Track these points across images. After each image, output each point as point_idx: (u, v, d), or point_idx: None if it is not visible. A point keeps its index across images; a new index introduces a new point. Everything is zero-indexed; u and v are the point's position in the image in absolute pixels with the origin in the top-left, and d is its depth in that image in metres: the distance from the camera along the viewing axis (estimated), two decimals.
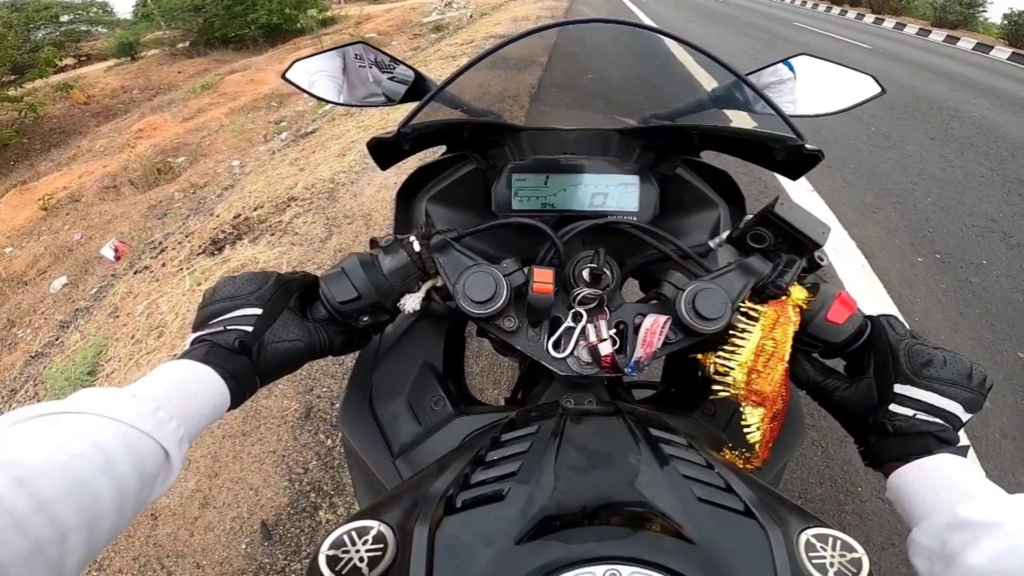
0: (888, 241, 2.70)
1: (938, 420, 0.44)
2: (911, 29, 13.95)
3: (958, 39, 12.20)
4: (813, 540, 0.34)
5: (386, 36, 12.53)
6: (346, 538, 0.34)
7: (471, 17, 11.62)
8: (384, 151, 0.56)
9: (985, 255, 2.61)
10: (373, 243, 0.55)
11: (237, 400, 0.45)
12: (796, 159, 0.52)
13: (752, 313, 0.47)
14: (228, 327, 0.46)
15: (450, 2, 13.65)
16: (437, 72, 6.13)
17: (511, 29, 9.15)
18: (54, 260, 5.19)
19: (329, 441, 1.80)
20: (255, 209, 3.30)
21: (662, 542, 0.31)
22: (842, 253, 2.55)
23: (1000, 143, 4.25)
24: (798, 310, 0.47)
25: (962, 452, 0.43)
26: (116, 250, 4.48)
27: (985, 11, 16.11)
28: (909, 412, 0.45)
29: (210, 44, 16.49)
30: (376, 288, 0.50)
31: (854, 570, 0.32)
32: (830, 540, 0.34)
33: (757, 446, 0.48)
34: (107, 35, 19.12)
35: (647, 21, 11.36)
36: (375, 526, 0.35)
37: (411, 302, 0.53)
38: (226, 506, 1.65)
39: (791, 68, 0.68)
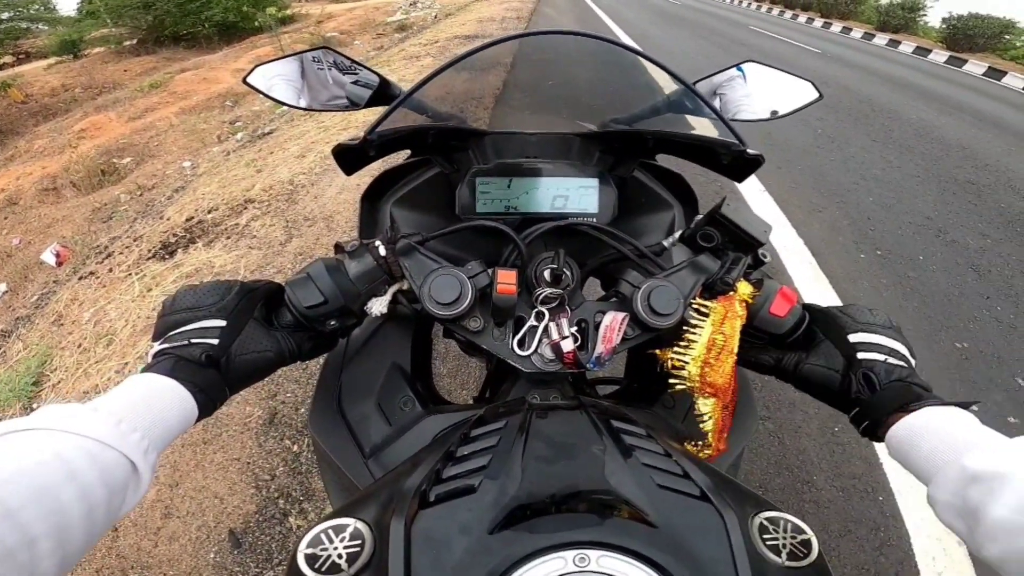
0: (833, 239, 2.85)
1: (903, 364, 0.46)
2: (857, 33, 14.65)
3: (900, 43, 12.90)
4: (766, 523, 0.36)
5: (348, 35, 12.30)
6: (323, 536, 0.35)
7: (436, 17, 11.55)
8: (349, 157, 0.57)
9: (921, 251, 2.78)
10: (338, 248, 0.55)
11: (205, 411, 0.45)
12: (740, 163, 0.56)
13: (703, 309, 0.50)
14: (192, 340, 0.45)
15: (415, 1, 13.53)
16: (401, 73, 6.06)
17: (477, 30, 9.13)
18: None
19: (296, 447, 1.77)
20: (209, 212, 3.17)
21: (627, 527, 0.33)
22: (791, 251, 2.67)
23: (936, 144, 4.53)
24: (744, 305, 0.50)
25: (944, 402, 0.44)
26: (58, 255, 4.25)
27: (926, 15, 16.90)
28: (879, 357, 0.46)
29: (160, 42, 15.84)
30: (342, 292, 0.50)
31: (804, 551, 0.34)
32: (782, 523, 0.36)
33: (710, 435, 0.51)
34: (48, 33, 18.15)
35: (611, 24, 11.55)
36: (352, 523, 0.35)
37: (378, 305, 0.53)
38: (190, 515, 1.61)
39: (741, 72, 0.72)
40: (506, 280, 0.49)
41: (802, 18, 18.32)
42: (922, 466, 0.40)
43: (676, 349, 0.50)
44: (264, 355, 0.49)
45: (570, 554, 0.31)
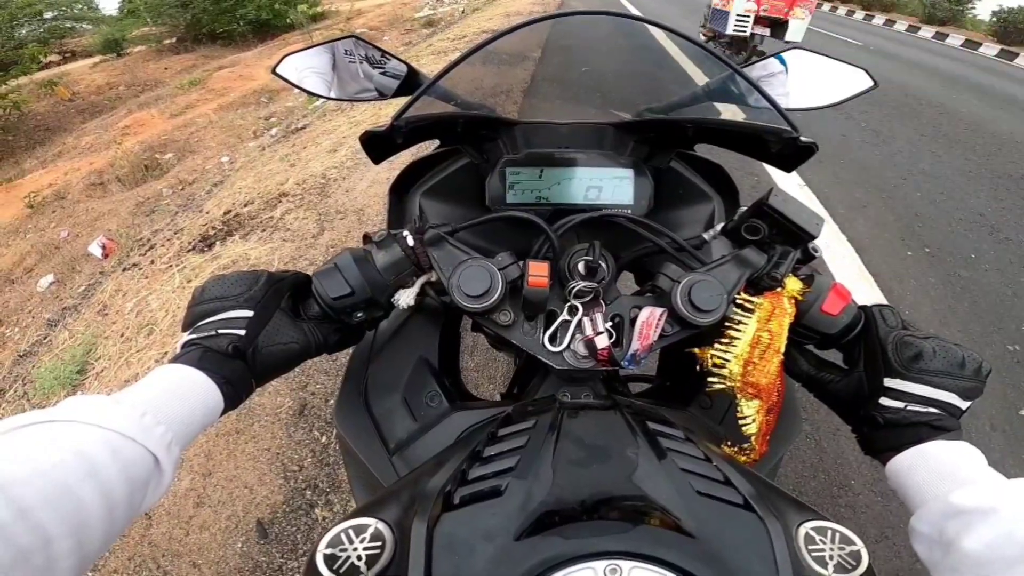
0: (879, 235, 2.73)
1: (933, 410, 0.44)
2: (900, 25, 14.12)
3: (947, 36, 12.36)
4: (812, 533, 0.33)
5: (377, 31, 12.45)
6: (343, 536, 0.33)
7: (463, 12, 11.58)
8: (377, 145, 0.55)
9: (974, 249, 2.65)
10: (366, 238, 0.53)
11: (231, 403, 0.44)
12: (791, 151, 0.52)
13: (748, 305, 0.47)
14: (219, 331, 0.45)
15: None
16: (429, 67, 6.08)
17: (504, 24, 9.12)
18: (40, 258, 5.12)
19: (324, 438, 1.79)
20: (245, 205, 3.26)
21: (662, 536, 0.31)
22: (834, 248, 2.58)
23: (988, 139, 4.30)
24: (793, 301, 0.47)
25: (961, 438, 0.43)
26: (104, 247, 4.43)
27: (974, 7, 16.29)
28: (899, 404, 0.44)
29: (197, 40, 16.36)
30: (370, 283, 0.49)
31: (853, 563, 0.32)
32: (829, 533, 0.33)
33: (753, 439, 0.48)
34: (92, 32, 18.95)
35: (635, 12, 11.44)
36: (372, 524, 0.34)
37: (405, 297, 0.52)
38: (221, 504, 1.63)
39: (783, 62, 0.68)
40: (538, 272, 0.48)
41: (841, 10, 17.71)
42: (912, 496, 0.41)
43: (717, 346, 0.47)
44: (290, 347, 0.48)
45: (600, 564, 0.29)
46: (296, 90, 0.72)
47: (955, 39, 12.02)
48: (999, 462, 1.59)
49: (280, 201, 3.21)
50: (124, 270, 3.15)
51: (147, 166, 6.26)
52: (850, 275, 2.37)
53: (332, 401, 1.93)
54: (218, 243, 2.91)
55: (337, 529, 0.34)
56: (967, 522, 0.34)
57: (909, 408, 0.44)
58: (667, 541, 0.30)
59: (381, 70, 0.70)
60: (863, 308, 0.50)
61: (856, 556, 0.32)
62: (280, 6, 15.67)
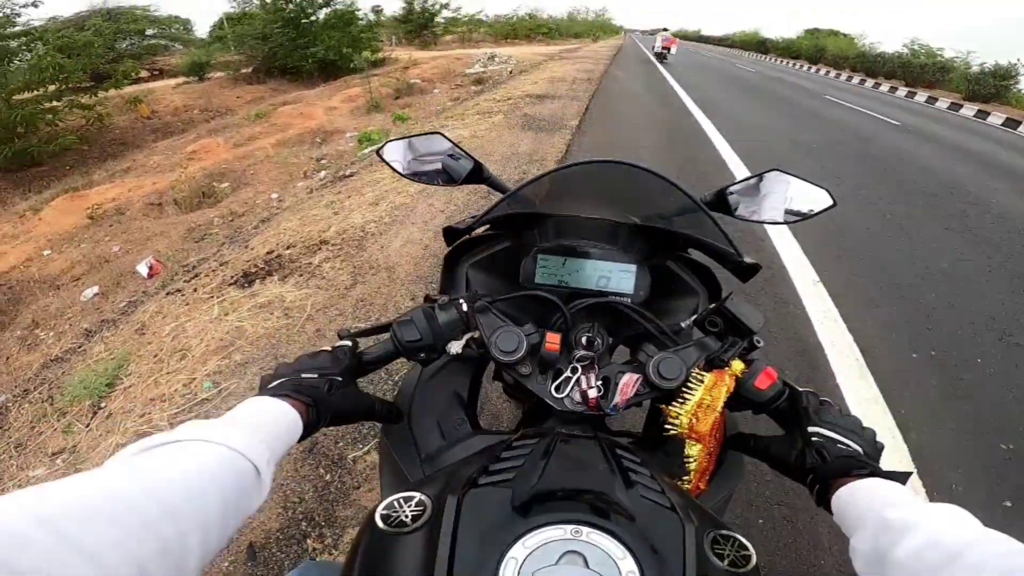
0: (886, 337, 2.76)
1: (853, 445, 0.56)
2: (943, 103, 13.98)
3: (989, 113, 12.14)
4: (719, 538, 0.47)
5: (429, 83, 13.15)
6: (395, 503, 0.48)
7: (511, 72, 12.18)
8: (451, 235, 0.78)
9: (980, 353, 2.64)
10: (427, 299, 0.72)
11: (306, 432, 0.54)
12: (742, 268, 0.72)
13: (699, 377, 0.62)
14: (304, 374, 0.57)
15: (493, 55, 14.36)
16: (473, 128, 6.46)
17: (547, 89, 9.60)
18: (89, 269, 5.38)
19: (328, 476, 1.87)
20: (288, 248, 3.48)
21: (612, 517, 0.45)
22: (838, 347, 2.62)
23: (1015, 235, 4.26)
24: (734, 378, 0.63)
25: (898, 478, 0.50)
26: (151, 268, 4.64)
27: (1018, 84, 15.93)
28: (823, 441, 0.57)
29: (270, 73, 17.42)
30: (433, 334, 0.67)
31: (744, 561, 0.45)
32: (731, 540, 0.47)
33: (692, 474, 0.64)
34: (181, 52, 20.16)
35: (683, 95, 11.72)
36: (417, 495, 0.49)
37: (455, 347, 0.69)
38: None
39: (763, 180, 0.84)
40: (553, 340, 0.66)
41: (884, 87, 17.76)
42: (851, 523, 0.48)
43: (674, 404, 0.63)
44: (361, 403, 0.62)
45: (569, 527, 0.43)
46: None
47: (996, 117, 11.81)
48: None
49: (320, 248, 3.41)
50: (168, 294, 3.29)
51: (204, 193, 6.64)
52: (850, 374, 2.40)
53: (341, 444, 2.01)
54: (258, 281, 3.08)
55: (392, 498, 0.49)
56: (898, 535, 0.40)
57: (838, 444, 0.56)
58: (615, 520, 0.44)
59: (453, 158, 0.91)
60: (789, 386, 0.65)
61: (747, 559, 0.45)
62: (347, 50, 16.70)
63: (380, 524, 0.47)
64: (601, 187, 0.83)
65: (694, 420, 0.61)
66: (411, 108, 10.20)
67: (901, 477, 0.50)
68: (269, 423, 0.49)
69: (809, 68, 24.38)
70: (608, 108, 9.01)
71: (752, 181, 0.85)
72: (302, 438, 0.54)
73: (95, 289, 4.69)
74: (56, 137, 10.57)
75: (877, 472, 0.52)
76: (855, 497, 0.49)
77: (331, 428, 2.20)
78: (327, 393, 0.57)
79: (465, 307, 0.68)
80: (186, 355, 2.57)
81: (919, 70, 18.41)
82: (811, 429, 0.58)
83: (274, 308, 2.80)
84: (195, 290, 3.22)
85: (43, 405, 2.45)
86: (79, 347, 3.01)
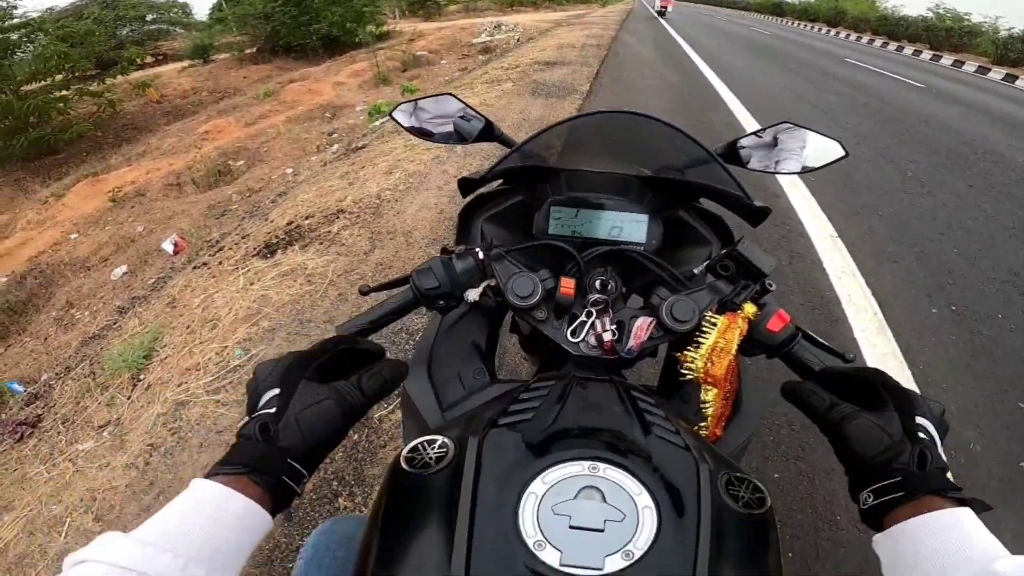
0: (904, 291, 2.74)
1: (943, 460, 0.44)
2: (970, 67, 13.44)
3: (1017, 77, 11.66)
4: (733, 479, 0.47)
5: (436, 55, 12.97)
6: (419, 446, 0.50)
7: (518, 40, 11.94)
8: (467, 185, 0.79)
9: (1001, 309, 2.63)
10: (444, 250, 0.74)
11: (279, 501, 0.43)
12: (752, 212, 0.72)
13: (712, 320, 0.62)
14: (253, 417, 0.45)
15: (499, 24, 14.07)
16: (483, 96, 6.38)
17: (556, 56, 9.40)
18: (116, 249, 5.54)
19: (356, 436, 1.93)
20: (306, 218, 3.53)
21: (628, 454, 0.46)
22: (855, 301, 2.62)
23: None
24: (747, 320, 0.62)
25: (964, 499, 0.41)
26: (176, 245, 4.77)
27: None
28: (930, 442, 0.44)
29: (274, 52, 17.31)
30: (450, 281, 0.68)
31: (758, 503, 0.45)
32: (745, 483, 0.47)
33: (709, 419, 0.64)
34: (183, 36, 20.17)
35: (692, 54, 11.41)
36: (440, 438, 0.50)
37: (472, 294, 0.71)
38: None
39: (776, 131, 0.84)
40: (567, 285, 0.66)
41: (908, 50, 17.00)
42: (932, 564, 0.37)
43: (688, 349, 0.63)
44: (324, 404, 0.46)
45: (586, 463, 0.45)
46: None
47: None
48: (995, 509, 1.63)
49: (338, 217, 3.46)
50: (194, 268, 3.37)
51: (220, 171, 6.74)
52: (868, 328, 2.41)
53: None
54: (280, 251, 3.16)
55: (415, 441, 0.50)
56: None
57: (935, 448, 0.44)
58: (631, 458, 0.45)
59: (465, 120, 0.91)
60: (884, 379, 0.55)
61: (762, 501, 0.45)
62: (350, 25, 16.47)
63: (405, 467, 0.48)
64: (612, 139, 0.83)
65: (709, 364, 0.61)
66: (419, 80, 10.10)
67: (984, 508, 0.41)
68: (194, 520, 0.37)
69: (828, 31, 23.40)
70: (619, 73, 8.81)
71: (763, 133, 0.84)
72: (277, 509, 0.43)
73: (124, 268, 4.85)
74: (70, 125, 10.76)
75: (970, 501, 0.40)
76: (938, 530, 0.38)
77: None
78: (275, 437, 0.43)
79: (481, 255, 0.69)
80: (216, 325, 2.66)
81: (944, 34, 17.56)
82: (920, 421, 0.45)
83: (297, 276, 2.88)
84: (220, 263, 3.30)
85: (86, 380, 2.56)
86: (114, 323, 3.13)
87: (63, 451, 2.16)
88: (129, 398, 2.36)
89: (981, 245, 3.27)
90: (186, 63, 17.70)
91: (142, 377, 2.46)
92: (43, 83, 10.91)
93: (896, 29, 19.98)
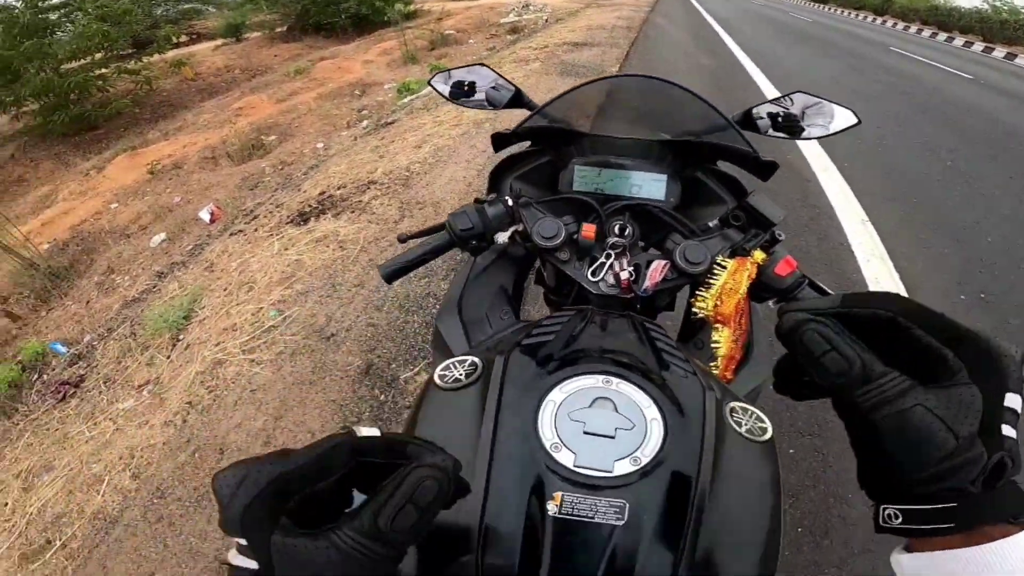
0: (934, 277, 2.71)
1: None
2: (1023, 60, 12.83)
3: None
4: (738, 408, 0.50)
5: (464, 34, 12.91)
6: (451, 365, 0.54)
7: (547, 21, 11.80)
8: (499, 141, 0.86)
9: None
10: (477, 200, 0.79)
11: None
12: (760, 165, 0.77)
13: (722, 263, 0.66)
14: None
15: (528, 4, 13.89)
16: (510, 75, 6.38)
17: (585, 37, 9.26)
18: (155, 218, 5.71)
19: (383, 396, 2.02)
20: (338, 188, 3.63)
21: (641, 373, 0.49)
22: (883, 284, 2.59)
23: None
24: (755, 265, 0.66)
25: None
26: (212, 214, 4.92)
27: None
28: (1013, 446, 0.28)
29: (304, 30, 17.45)
30: (483, 224, 0.75)
31: (760, 432, 0.48)
32: (749, 412, 0.50)
33: (720, 359, 0.66)
34: (216, 15, 20.49)
35: (728, 40, 11.11)
36: (470, 358, 0.55)
37: (502, 237, 0.78)
38: (283, 446, 1.82)
39: (791, 100, 0.88)
40: (589, 230, 0.72)
41: (959, 41, 16.20)
42: None
43: (700, 290, 0.66)
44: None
45: (601, 377, 0.48)
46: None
47: None
48: None
49: (368, 188, 3.55)
50: (231, 235, 3.52)
51: (253, 145, 6.91)
52: None
53: (395, 365, 2.15)
54: (313, 219, 3.27)
55: (447, 361, 0.54)
56: None
57: (1018, 448, 0.29)
58: (644, 377, 0.49)
59: (495, 88, 0.98)
60: (950, 322, 0.37)
61: (764, 430, 0.48)
62: (379, 2, 16.47)
63: (438, 382, 0.52)
64: (635, 104, 0.88)
65: (718, 303, 0.64)
66: (446, 59, 10.09)
67: None
68: None
69: (874, 19, 22.46)
70: (650, 55, 8.65)
71: (778, 102, 0.88)
72: None
73: (162, 235, 5.01)
74: (109, 102, 11.09)
75: None
76: (997, 566, 0.26)
77: (385, 347, 2.42)
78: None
79: (511, 203, 0.75)
80: (252, 287, 2.77)
81: (999, 26, 16.72)
82: (1010, 401, 0.29)
83: (329, 242, 2.98)
84: (255, 230, 3.44)
85: (127, 341, 2.69)
86: (154, 287, 3.29)
87: (104, 410, 2.28)
88: (168, 357, 2.48)
89: (1017, 235, 3.18)
90: (219, 42, 17.98)
91: (181, 337, 2.58)
92: (82, 61, 11.19)
93: (947, 19, 19.09)
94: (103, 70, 11.36)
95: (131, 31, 12.36)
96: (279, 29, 18.16)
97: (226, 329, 2.50)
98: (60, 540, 1.77)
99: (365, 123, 6.12)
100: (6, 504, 2.00)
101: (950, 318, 0.30)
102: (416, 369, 2.13)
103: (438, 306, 2.32)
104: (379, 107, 7.24)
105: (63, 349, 3.13)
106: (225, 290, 2.83)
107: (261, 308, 2.60)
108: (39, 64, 10.20)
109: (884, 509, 0.31)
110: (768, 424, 0.49)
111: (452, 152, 4.06)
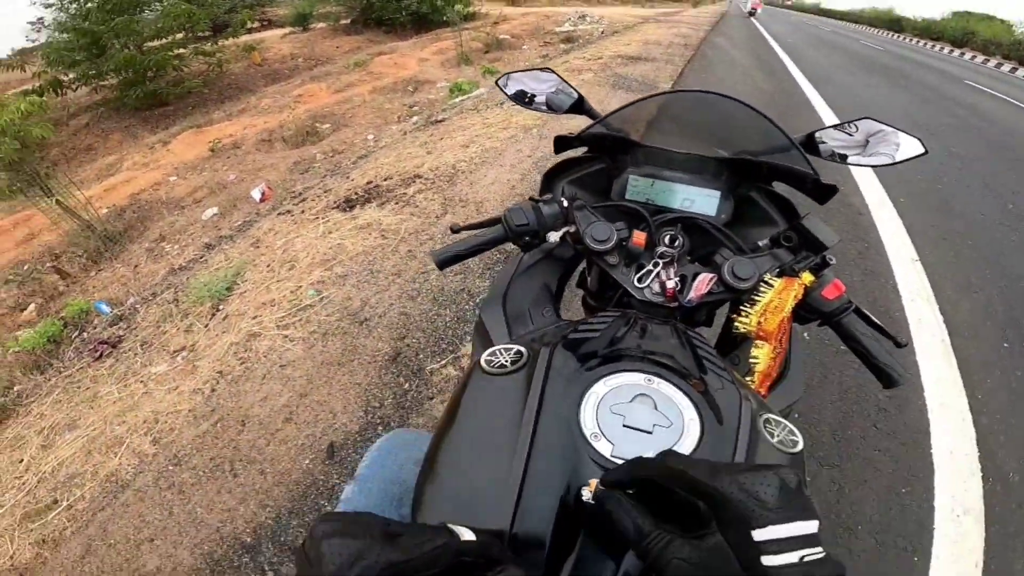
0: (979, 323, 2.59)
1: (820, 553, 0.30)
2: None
3: None
4: (772, 420, 0.51)
5: (518, 39, 13.00)
6: (497, 351, 0.57)
7: (602, 33, 11.76)
8: (561, 143, 0.88)
9: None
10: (532, 199, 0.81)
11: None
12: (819, 189, 0.76)
13: (770, 282, 0.67)
14: None
15: (584, 15, 13.90)
16: None
17: (640, 51, 9.21)
18: (209, 193, 5.99)
19: (407, 384, 2.05)
20: (385, 179, 3.73)
21: (681, 375, 0.51)
22: (925, 326, 2.51)
23: None
24: (803, 286, 0.66)
25: None
26: (263, 193, 5.12)
27: None
28: (793, 558, 0.29)
29: (366, 24, 17.96)
30: (537, 222, 0.77)
31: (791, 444, 0.49)
32: (782, 424, 0.51)
33: (757, 375, 0.67)
34: (287, 3, 21.31)
35: (790, 64, 10.80)
36: (515, 346, 0.57)
37: (554, 236, 0.81)
38: (305, 424, 1.85)
39: (855, 126, 0.86)
40: (639, 237, 0.73)
41: (1006, 67, 15.24)
42: None
43: (744, 306, 0.67)
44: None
45: (643, 375, 0.51)
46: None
47: None
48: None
49: (414, 181, 3.63)
50: (279, 215, 3.64)
51: (308, 132, 7.18)
52: (932, 354, 2.31)
53: (422, 355, 2.20)
54: (358, 206, 3.37)
55: (493, 348, 0.57)
56: None
57: (806, 559, 0.29)
58: (683, 378, 0.51)
59: (556, 93, 0.99)
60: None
61: (795, 442, 0.50)
62: (439, 3, 16.81)
63: (484, 367, 0.54)
64: (694, 119, 0.87)
65: (762, 320, 0.65)
66: (500, 63, 10.22)
67: None
68: None
69: (951, 51, 21.39)
70: (705, 73, 8.53)
71: (843, 127, 0.86)
72: None
73: (214, 210, 5.23)
74: (183, 81, 11.71)
75: None
76: None
77: (415, 336, 2.46)
78: None
79: (566, 204, 0.78)
80: (294, 266, 2.87)
81: None
82: (759, 535, 0.29)
83: (372, 230, 3.08)
84: (303, 212, 3.56)
85: (168, 306, 2.78)
86: (201, 258, 3.42)
87: (136, 372, 2.35)
88: (206, 326, 2.56)
89: None
90: (287, 30, 18.74)
91: (221, 307, 2.66)
92: (164, 40, 11.81)
93: None
94: (181, 50, 11.97)
95: (213, 14, 12.96)
96: (343, 21, 18.74)
97: (265, 304, 2.57)
98: (67, 501, 1.77)
99: (415, 119, 6.26)
100: (22, 461, 2.00)
101: (694, 476, 0.33)
102: (443, 362, 2.16)
103: (476, 301, 2.40)
104: (430, 104, 7.38)
105: (107, 309, 3.18)
106: (268, 266, 2.92)
107: (300, 287, 2.67)
108: (125, 40, 10.84)
109: None
110: (799, 438, 0.50)
111: (499, 154, 4.11)
